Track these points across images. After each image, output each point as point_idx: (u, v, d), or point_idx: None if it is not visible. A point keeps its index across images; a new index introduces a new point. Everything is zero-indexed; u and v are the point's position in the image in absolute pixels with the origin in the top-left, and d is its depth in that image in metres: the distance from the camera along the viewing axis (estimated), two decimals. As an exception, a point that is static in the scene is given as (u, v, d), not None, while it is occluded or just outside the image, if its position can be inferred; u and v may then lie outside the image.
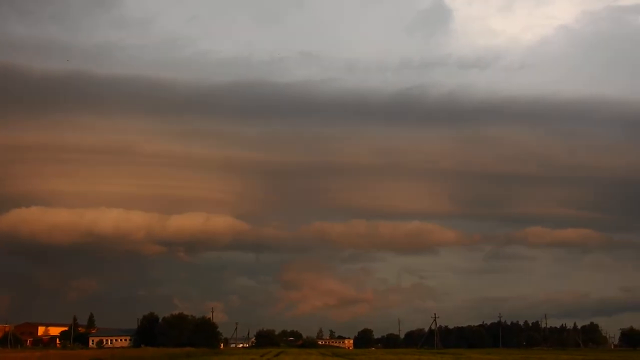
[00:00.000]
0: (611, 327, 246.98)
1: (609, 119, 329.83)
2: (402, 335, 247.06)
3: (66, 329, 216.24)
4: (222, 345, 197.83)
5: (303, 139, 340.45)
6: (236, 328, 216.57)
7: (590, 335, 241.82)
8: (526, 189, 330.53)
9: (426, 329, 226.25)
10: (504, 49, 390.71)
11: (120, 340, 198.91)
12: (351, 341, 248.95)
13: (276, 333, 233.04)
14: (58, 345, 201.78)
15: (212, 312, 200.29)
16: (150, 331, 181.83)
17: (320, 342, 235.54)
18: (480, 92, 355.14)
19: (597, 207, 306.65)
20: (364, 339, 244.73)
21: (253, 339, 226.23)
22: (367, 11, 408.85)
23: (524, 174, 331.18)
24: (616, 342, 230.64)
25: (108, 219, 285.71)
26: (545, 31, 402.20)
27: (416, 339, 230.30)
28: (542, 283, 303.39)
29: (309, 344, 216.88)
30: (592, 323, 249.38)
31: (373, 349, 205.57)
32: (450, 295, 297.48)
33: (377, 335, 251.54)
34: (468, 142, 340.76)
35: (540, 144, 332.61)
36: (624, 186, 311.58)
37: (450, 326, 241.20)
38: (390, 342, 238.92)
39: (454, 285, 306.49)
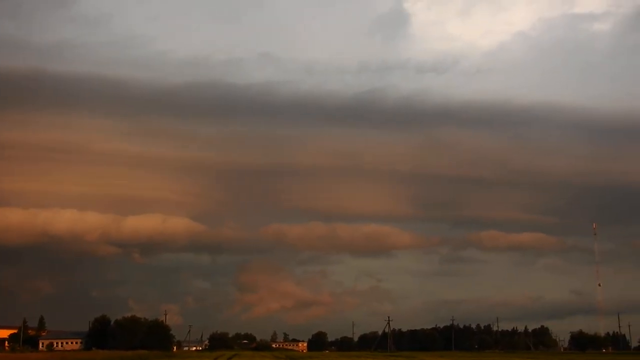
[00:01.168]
0: (562, 331, 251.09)
1: (565, 124, 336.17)
2: (356, 339, 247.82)
3: (15, 331, 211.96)
4: (175, 348, 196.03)
5: (261, 141, 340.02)
6: (189, 331, 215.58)
7: (540, 339, 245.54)
8: (482, 193, 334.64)
9: (380, 332, 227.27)
10: (461, 53, 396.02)
11: (72, 343, 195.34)
12: (305, 344, 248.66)
13: (230, 336, 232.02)
14: (7, 348, 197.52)
15: (166, 314, 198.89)
16: (102, 334, 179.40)
17: (274, 345, 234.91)
18: (438, 96, 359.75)
19: (551, 211, 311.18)
20: (318, 342, 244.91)
21: (206, 342, 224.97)
22: (327, 14, 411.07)
23: (480, 178, 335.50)
24: (566, 345, 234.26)
25: (62, 220, 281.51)
26: (502, 37, 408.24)
27: (370, 342, 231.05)
28: (496, 286, 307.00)
29: (263, 346, 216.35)
30: (542, 326, 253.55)
31: (327, 352, 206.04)
32: (406, 298, 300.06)
33: (331, 338, 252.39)
34: (425, 145, 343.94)
35: (497, 148, 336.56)
36: (577, 190, 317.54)
37: (404, 329, 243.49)
38: (344, 345, 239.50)
39: (410, 288, 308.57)
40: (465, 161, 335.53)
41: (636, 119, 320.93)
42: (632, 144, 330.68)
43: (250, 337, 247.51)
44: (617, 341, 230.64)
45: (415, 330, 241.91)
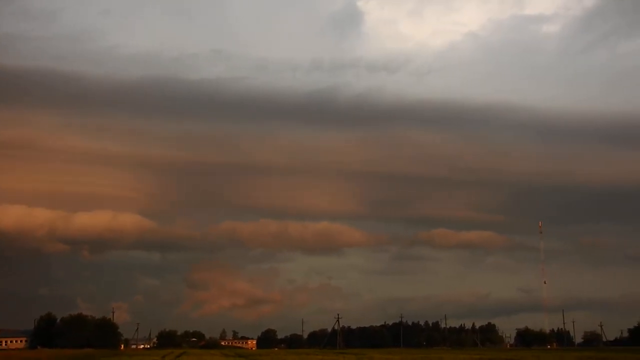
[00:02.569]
0: (508, 327, 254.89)
1: (514, 124, 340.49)
2: (305, 336, 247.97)
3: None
4: (122, 346, 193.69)
5: (213, 138, 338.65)
6: (137, 329, 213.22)
7: (487, 335, 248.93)
8: (433, 191, 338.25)
9: (330, 329, 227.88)
10: (413, 53, 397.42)
11: (16, 341, 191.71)
12: (254, 342, 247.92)
13: (179, 333, 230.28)
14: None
15: (113, 312, 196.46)
16: (47, 332, 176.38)
17: (222, 343, 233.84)
18: (389, 95, 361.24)
19: (500, 210, 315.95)
20: (267, 339, 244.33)
21: (155, 340, 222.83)
22: (279, 11, 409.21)
23: (431, 177, 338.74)
24: (512, 341, 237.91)
25: (10, 216, 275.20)
26: (453, 37, 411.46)
27: (319, 339, 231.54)
28: (445, 284, 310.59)
29: (212, 344, 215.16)
30: (489, 323, 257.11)
31: (276, 349, 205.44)
32: (356, 295, 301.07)
33: (280, 335, 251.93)
34: (377, 143, 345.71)
35: (448, 147, 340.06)
36: (526, 190, 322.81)
37: (354, 326, 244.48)
38: (293, 342, 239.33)
39: (360, 286, 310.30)
40: (417, 160, 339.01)
41: (583, 120, 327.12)
42: (579, 145, 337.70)
43: (199, 335, 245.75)
44: (561, 337, 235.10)
45: (365, 327, 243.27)
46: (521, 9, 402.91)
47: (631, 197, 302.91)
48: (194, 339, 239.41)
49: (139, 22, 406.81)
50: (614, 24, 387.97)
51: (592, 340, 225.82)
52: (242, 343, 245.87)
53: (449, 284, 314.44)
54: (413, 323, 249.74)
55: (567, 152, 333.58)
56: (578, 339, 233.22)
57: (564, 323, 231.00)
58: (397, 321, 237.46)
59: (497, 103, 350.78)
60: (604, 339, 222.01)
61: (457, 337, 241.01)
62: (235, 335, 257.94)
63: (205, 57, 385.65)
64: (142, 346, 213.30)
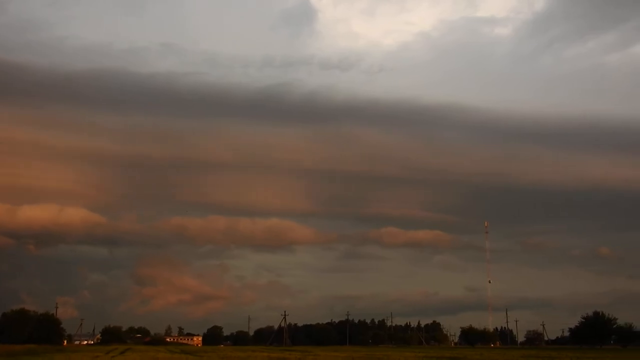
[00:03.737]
0: (453, 326, 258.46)
1: (464, 125, 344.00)
2: (252, 333, 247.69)
3: None
4: (65, 342, 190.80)
5: (163, 132, 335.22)
6: (81, 324, 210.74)
7: (432, 334, 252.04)
8: (383, 190, 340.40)
9: (276, 327, 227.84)
10: (365, 52, 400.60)
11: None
12: (200, 338, 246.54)
13: (123, 329, 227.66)
14: None
15: (57, 307, 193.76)
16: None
17: (168, 339, 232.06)
18: (341, 93, 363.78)
19: (449, 210, 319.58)
20: (213, 336, 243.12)
21: (99, 336, 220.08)
22: (232, 6, 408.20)
23: (381, 175, 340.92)
24: (457, 339, 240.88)
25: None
26: (405, 37, 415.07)
27: (266, 337, 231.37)
28: (393, 282, 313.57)
29: (157, 341, 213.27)
30: (434, 321, 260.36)
31: (222, 346, 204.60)
32: (304, 293, 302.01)
33: (227, 332, 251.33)
34: (329, 141, 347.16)
35: (398, 146, 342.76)
36: (474, 190, 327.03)
37: (301, 324, 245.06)
38: (239, 339, 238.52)
39: (309, 283, 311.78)
40: (367, 158, 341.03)
41: (532, 122, 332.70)
42: (527, 146, 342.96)
43: (144, 331, 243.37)
44: (505, 336, 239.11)
45: (311, 325, 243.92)
46: (473, 11, 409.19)
47: (576, 199, 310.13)
48: (138, 335, 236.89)
49: (89, 13, 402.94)
50: (562, 29, 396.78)
51: (534, 339, 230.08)
52: (188, 340, 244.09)
53: (396, 283, 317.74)
54: (360, 321, 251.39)
55: (514, 154, 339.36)
56: (521, 338, 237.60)
57: (507, 322, 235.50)
58: (344, 319, 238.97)
59: (447, 103, 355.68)
60: (546, 338, 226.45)
61: (403, 335, 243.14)
62: (180, 332, 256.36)
63: (156, 51, 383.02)
64: (85, 342, 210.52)
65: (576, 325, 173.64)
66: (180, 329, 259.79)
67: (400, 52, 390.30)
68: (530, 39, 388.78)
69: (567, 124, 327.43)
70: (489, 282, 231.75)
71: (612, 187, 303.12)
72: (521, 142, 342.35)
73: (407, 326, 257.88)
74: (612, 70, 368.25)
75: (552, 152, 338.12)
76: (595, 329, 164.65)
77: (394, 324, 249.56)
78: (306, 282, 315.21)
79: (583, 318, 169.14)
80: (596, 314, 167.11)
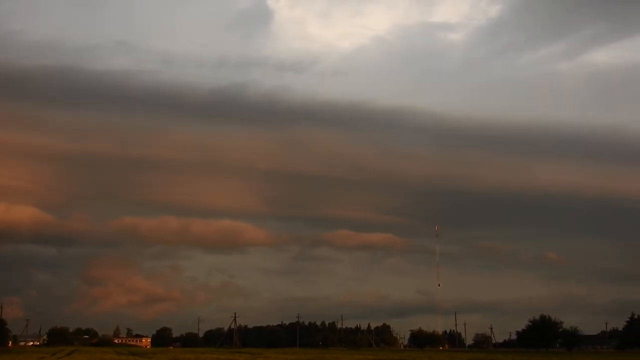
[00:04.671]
0: (403, 329, 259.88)
1: (416, 128, 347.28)
2: (201, 334, 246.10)
3: None
4: (10, 343, 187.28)
5: (115, 131, 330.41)
6: (27, 325, 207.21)
7: (382, 336, 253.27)
8: (337, 192, 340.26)
9: (226, 328, 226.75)
10: (320, 54, 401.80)
11: None
12: (149, 340, 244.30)
13: (70, 330, 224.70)
14: None
15: (2, 307, 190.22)
16: None
17: (116, 341, 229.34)
18: (296, 95, 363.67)
19: (401, 213, 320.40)
20: (162, 337, 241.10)
21: (45, 337, 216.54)
22: (188, 5, 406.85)
23: (335, 177, 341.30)
24: (406, 342, 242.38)
25: None
26: (360, 40, 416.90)
27: (216, 338, 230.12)
28: (345, 285, 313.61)
29: (104, 342, 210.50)
30: (384, 324, 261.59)
31: (171, 347, 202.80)
32: (256, 295, 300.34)
33: (177, 334, 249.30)
34: (283, 143, 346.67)
35: (352, 149, 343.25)
36: (427, 193, 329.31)
37: (251, 325, 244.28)
38: (189, 341, 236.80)
39: (261, 285, 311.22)
40: (321, 160, 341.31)
41: (483, 127, 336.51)
42: (478, 151, 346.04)
43: (91, 333, 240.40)
44: (453, 339, 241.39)
45: (262, 326, 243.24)
46: (428, 16, 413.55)
47: (526, 204, 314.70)
48: (86, 337, 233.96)
49: (42, 9, 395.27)
50: (515, 36, 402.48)
51: (482, 342, 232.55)
52: (136, 341, 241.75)
53: (348, 285, 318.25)
54: (310, 323, 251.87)
55: (466, 158, 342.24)
56: (469, 341, 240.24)
57: (456, 325, 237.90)
58: (295, 321, 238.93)
59: (400, 107, 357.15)
60: (494, 341, 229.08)
61: (353, 338, 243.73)
62: (129, 333, 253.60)
63: (110, 49, 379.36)
64: (31, 343, 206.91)
65: (523, 329, 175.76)
66: (129, 330, 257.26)
67: (355, 55, 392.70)
68: (483, 45, 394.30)
69: (518, 129, 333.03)
70: (439, 285, 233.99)
71: (561, 192, 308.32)
72: (473, 147, 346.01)
73: (358, 329, 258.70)
74: (562, 78, 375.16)
75: (503, 157, 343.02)
76: (541, 332, 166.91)
77: (344, 327, 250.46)
78: (258, 284, 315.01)
79: (530, 322, 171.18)
80: (543, 317, 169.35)
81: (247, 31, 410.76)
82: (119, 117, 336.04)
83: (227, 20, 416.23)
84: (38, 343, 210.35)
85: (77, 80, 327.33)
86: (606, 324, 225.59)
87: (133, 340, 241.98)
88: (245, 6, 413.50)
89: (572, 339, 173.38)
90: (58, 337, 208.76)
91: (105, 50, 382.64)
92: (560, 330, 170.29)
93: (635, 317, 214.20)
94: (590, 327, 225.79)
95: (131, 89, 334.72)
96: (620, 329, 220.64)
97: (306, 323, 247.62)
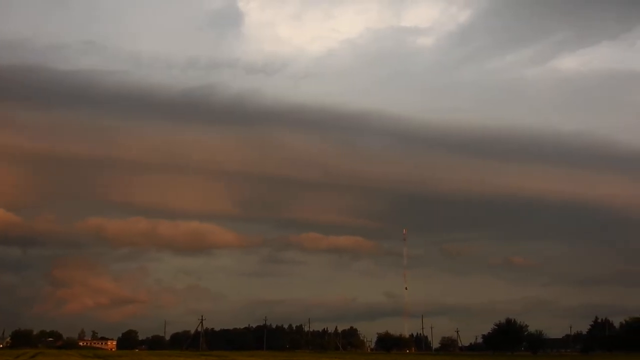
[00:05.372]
0: (371, 332, 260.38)
1: (386, 132, 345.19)
2: (168, 337, 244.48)
3: None
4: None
5: (84, 131, 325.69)
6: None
7: (349, 339, 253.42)
8: (306, 195, 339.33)
9: (193, 331, 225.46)
10: (291, 57, 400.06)
11: None
12: (114, 342, 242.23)
13: (35, 333, 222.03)
14: None
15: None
16: None
17: (81, 344, 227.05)
18: (267, 98, 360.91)
19: (370, 216, 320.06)
20: (128, 340, 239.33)
21: (8, 339, 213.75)
22: (158, 5, 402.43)
23: (304, 180, 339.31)
24: (373, 345, 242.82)
25: None
26: (330, 43, 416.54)
27: (182, 341, 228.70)
28: (313, 287, 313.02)
29: (69, 345, 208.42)
30: (352, 327, 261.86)
31: (137, 350, 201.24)
32: (223, 297, 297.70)
33: (142, 336, 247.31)
34: (252, 145, 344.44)
35: (322, 152, 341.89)
36: (395, 197, 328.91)
37: (218, 328, 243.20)
38: (155, 344, 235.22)
39: (229, 288, 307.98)
40: (290, 163, 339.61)
41: (452, 131, 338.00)
42: (448, 155, 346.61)
43: (56, 335, 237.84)
44: (420, 342, 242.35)
45: (229, 329, 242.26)
46: (398, 20, 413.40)
47: (493, 208, 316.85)
48: (50, 339, 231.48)
49: (10, 8, 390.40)
50: (484, 42, 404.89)
51: (448, 345, 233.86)
52: (102, 344, 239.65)
53: (316, 288, 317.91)
54: (277, 326, 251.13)
55: (434, 161, 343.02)
56: (435, 344, 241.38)
57: (422, 328, 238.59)
58: (262, 324, 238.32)
59: (370, 111, 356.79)
60: (460, 345, 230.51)
61: (320, 341, 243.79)
62: (94, 336, 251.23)
63: (78, 48, 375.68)
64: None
65: (489, 332, 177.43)
66: (94, 332, 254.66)
67: (325, 58, 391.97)
68: (452, 49, 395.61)
69: (486, 134, 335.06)
70: (406, 288, 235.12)
71: (528, 197, 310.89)
72: (442, 150, 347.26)
73: (325, 332, 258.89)
74: (530, 83, 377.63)
75: (471, 161, 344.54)
76: (507, 336, 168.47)
77: (311, 330, 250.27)
78: (226, 287, 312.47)
79: (496, 325, 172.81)
80: (508, 321, 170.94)
81: (217, 33, 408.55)
82: (87, 117, 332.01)
83: (197, 21, 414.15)
84: (1, 345, 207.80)
85: (44, 80, 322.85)
86: (570, 327, 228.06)
87: (98, 343, 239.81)
88: (215, 7, 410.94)
89: (537, 343, 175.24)
90: (22, 339, 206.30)
91: (73, 49, 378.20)
92: (526, 333, 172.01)
93: (599, 320, 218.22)
94: (555, 330, 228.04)
95: (99, 89, 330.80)
96: (584, 332, 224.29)
97: (273, 326, 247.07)
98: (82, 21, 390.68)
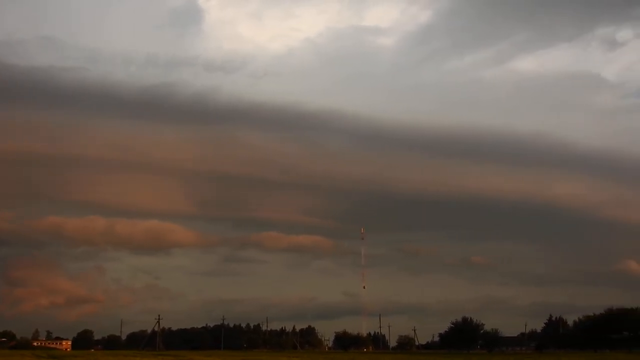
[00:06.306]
0: (329, 331, 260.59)
1: (345, 131, 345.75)
2: (124, 337, 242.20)
3: None
4: None
5: (39, 128, 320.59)
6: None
7: (307, 338, 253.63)
8: (266, 194, 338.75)
9: (150, 331, 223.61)
10: (250, 55, 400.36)
11: None
12: (69, 342, 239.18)
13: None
14: None
15: None
16: None
17: (35, 344, 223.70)
18: (226, 96, 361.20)
19: (330, 215, 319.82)
20: (83, 340, 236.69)
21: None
22: (117, 1, 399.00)
23: (264, 179, 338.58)
24: (330, 344, 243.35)
25: None
26: (291, 42, 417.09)
27: (139, 341, 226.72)
28: (272, 286, 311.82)
29: (22, 345, 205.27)
30: (309, 326, 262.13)
31: (92, 350, 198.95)
32: (182, 297, 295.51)
33: (97, 336, 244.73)
34: (212, 143, 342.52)
35: (281, 151, 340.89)
36: (355, 196, 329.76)
37: (175, 328, 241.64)
38: (111, 343, 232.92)
39: (187, 287, 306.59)
40: (250, 161, 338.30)
41: (412, 130, 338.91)
42: (407, 155, 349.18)
43: (9, 335, 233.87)
44: (377, 340, 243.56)
45: (186, 329, 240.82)
46: (359, 20, 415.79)
47: (452, 208, 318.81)
48: (3, 339, 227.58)
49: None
50: (444, 42, 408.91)
51: (405, 344, 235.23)
52: (57, 344, 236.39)
53: (275, 287, 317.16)
54: (235, 325, 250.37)
55: (393, 161, 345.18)
56: (393, 343, 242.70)
57: (380, 327, 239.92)
58: (220, 323, 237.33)
59: (330, 110, 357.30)
60: (417, 343, 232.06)
61: (278, 340, 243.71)
62: (49, 336, 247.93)
63: (35, 44, 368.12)
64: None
65: (446, 331, 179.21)
66: (49, 332, 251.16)
67: (285, 57, 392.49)
68: (412, 50, 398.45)
69: (444, 134, 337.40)
70: (364, 287, 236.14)
71: (486, 197, 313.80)
72: (401, 150, 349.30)
73: (283, 331, 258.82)
74: (488, 84, 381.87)
75: (430, 161, 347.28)
76: (463, 334, 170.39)
77: (269, 329, 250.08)
78: (184, 286, 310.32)
79: (452, 323, 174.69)
80: (465, 319, 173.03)
81: (177, 30, 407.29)
82: (44, 114, 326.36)
83: (157, 18, 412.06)
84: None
85: (1, 76, 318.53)
86: (525, 325, 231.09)
87: (53, 343, 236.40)
88: (176, 5, 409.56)
89: (493, 341, 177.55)
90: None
91: (30, 45, 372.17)
92: (482, 332, 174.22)
93: (553, 319, 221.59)
94: (510, 328, 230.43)
95: (57, 86, 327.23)
96: (538, 330, 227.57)
97: (231, 325, 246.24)
98: (40, 16, 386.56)
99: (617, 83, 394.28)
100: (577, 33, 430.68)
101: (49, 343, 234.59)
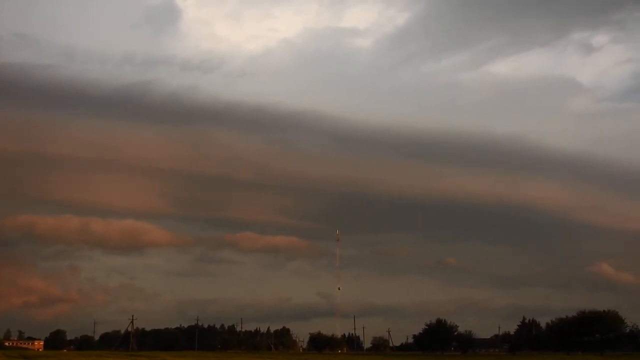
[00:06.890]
0: (304, 332, 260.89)
1: (322, 132, 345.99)
2: (97, 337, 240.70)
3: None
4: None
5: (14, 126, 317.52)
6: None
7: (281, 339, 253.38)
8: (241, 194, 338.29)
9: (123, 331, 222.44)
10: (227, 55, 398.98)
11: None
12: (42, 343, 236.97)
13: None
14: None
15: None
16: None
17: (7, 344, 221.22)
18: (202, 95, 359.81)
19: (306, 216, 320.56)
20: (56, 340, 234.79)
21: None
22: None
23: (240, 179, 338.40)
24: (305, 345, 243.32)
25: None
26: (268, 43, 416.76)
27: (112, 341, 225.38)
28: (247, 287, 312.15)
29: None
30: (284, 327, 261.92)
31: (65, 351, 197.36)
32: (156, 297, 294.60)
33: (71, 336, 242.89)
34: (188, 143, 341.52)
35: (257, 151, 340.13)
36: (330, 197, 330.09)
37: (149, 328, 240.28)
38: (84, 343, 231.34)
39: (162, 287, 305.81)
40: (226, 162, 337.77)
41: (388, 132, 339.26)
42: (382, 157, 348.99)
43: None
44: (352, 342, 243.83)
45: (159, 329, 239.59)
46: (337, 21, 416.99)
47: (427, 210, 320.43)
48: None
49: None
50: (421, 45, 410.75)
51: (379, 345, 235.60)
52: (29, 344, 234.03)
53: (250, 288, 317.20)
54: (209, 326, 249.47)
55: (369, 162, 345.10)
56: (367, 344, 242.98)
57: (354, 328, 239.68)
58: (194, 324, 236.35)
59: (307, 111, 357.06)
60: (391, 344, 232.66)
61: (253, 341, 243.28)
62: (21, 336, 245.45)
63: (9, 41, 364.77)
64: None
65: (420, 332, 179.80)
66: (21, 332, 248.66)
67: (263, 57, 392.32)
68: (389, 52, 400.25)
69: (421, 136, 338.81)
70: (339, 289, 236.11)
71: (461, 199, 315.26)
72: (377, 152, 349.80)
73: (257, 332, 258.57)
74: (465, 87, 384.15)
75: (406, 163, 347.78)
76: (437, 335, 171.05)
77: (244, 330, 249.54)
78: (159, 286, 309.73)
79: (426, 325, 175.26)
80: (439, 321, 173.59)
81: (154, 29, 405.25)
82: (19, 112, 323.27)
83: (133, 16, 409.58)
84: None
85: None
86: (499, 327, 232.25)
87: (25, 343, 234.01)
88: (153, 3, 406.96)
89: (467, 343, 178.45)
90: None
91: (4, 42, 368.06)
92: (455, 333, 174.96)
93: (526, 321, 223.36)
94: (484, 330, 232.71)
95: (31, 84, 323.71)
96: (512, 332, 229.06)
97: (205, 326, 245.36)
98: (14, 13, 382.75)
99: (592, 87, 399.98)
100: (553, 37, 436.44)
101: (21, 343, 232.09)
